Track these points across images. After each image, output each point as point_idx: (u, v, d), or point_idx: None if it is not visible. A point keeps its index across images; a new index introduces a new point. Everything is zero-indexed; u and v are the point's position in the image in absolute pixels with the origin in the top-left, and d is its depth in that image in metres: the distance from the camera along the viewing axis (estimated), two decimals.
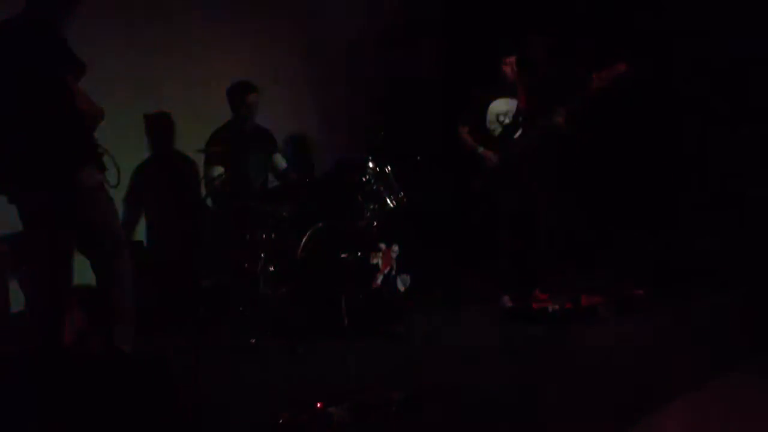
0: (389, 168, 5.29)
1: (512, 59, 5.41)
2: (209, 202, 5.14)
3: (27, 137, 3.65)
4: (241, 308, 4.84)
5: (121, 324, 3.83)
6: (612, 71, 5.14)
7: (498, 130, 5.48)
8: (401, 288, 5.04)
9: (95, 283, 3.94)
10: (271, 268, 4.97)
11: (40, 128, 3.63)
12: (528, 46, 5.76)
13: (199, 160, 5.54)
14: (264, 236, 5.02)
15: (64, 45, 3.65)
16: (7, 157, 3.74)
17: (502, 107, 5.47)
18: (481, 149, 5.46)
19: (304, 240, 4.98)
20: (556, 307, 4.97)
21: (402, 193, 5.27)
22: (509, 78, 5.43)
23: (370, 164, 5.21)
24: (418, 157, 6.31)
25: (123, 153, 5.33)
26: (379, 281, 4.91)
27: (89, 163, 3.73)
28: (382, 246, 4.98)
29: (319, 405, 3.34)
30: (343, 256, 4.87)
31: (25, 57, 3.62)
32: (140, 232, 5.61)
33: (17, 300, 4.50)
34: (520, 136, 5.40)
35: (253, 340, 4.57)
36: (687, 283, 5.59)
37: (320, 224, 5.07)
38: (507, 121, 5.44)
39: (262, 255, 4.96)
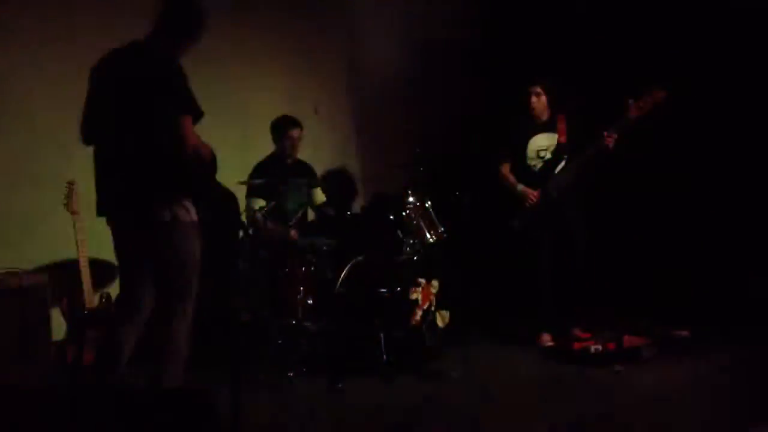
0: (429, 203, 5.28)
1: (538, 88, 5.37)
2: (249, 234, 5.16)
3: (132, 165, 3.67)
4: (279, 342, 4.83)
5: (171, 367, 3.80)
6: (650, 98, 5.09)
7: (539, 165, 5.43)
8: (440, 324, 4.99)
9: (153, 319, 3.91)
10: (310, 302, 4.97)
11: (145, 158, 3.64)
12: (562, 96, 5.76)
13: (241, 192, 5.57)
14: (303, 270, 5.02)
15: (186, 86, 3.66)
16: (110, 182, 3.78)
17: (542, 143, 5.43)
18: (521, 187, 5.41)
19: (342, 274, 4.97)
20: (599, 347, 4.87)
21: (442, 229, 5.26)
22: (537, 109, 5.38)
23: (410, 199, 5.21)
24: (457, 192, 6.31)
25: None
26: (418, 317, 4.86)
27: (186, 200, 3.73)
28: (422, 281, 4.94)
29: None
30: (381, 291, 4.84)
31: (148, 89, 3.63)
32: None
33: (58, 329, 4.54)
34: (561, 170, 5.34)
35: (291, 374, 4.54)
36: (738, 324, 5.47)
37: (359, 258, 5.06)
38: (548, 156, 5.40)
39: (301, 289, 4.96)
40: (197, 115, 3.68)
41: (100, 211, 3.84)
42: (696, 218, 6.11)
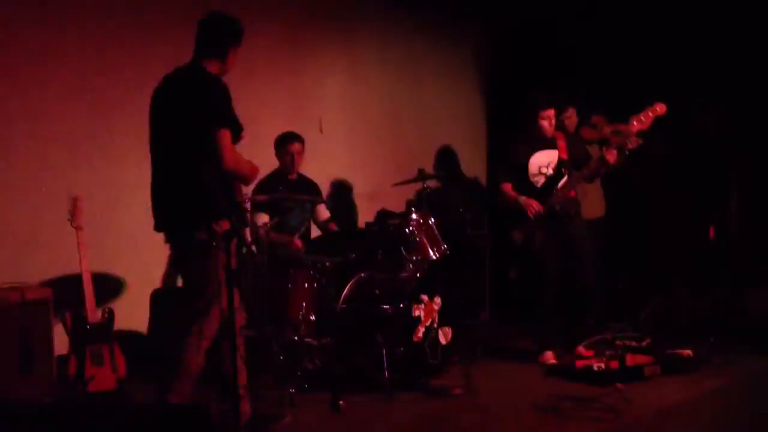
0: (432, 219, 5.28)
1: (550, 112, 5.40)
2: (253, 250, 5.17)
3: (175, 183, 3.72)
4: (281, 358, 4.82)
5: (179, 383, 3.76)
6: (651, 112, 5.11)
7: (541, 182, 5.45)
8: (443, 341, 4.99)
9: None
10: (312, 318, 4.96)
11: (187, 176, 3.67)
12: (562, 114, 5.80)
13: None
14: (306, 286, 5.02)
15: (223, 100, 3.72)
16: (159, 199, 3.83)
17: (543, 159, 5.45)
18: (522, 198, 5.41)
19: (345, 291, 4.96)
20: (601, 365, 4.85)
21: (445, 245, 5.25)
22: (547, 132, 5.42)
23: (413, 215, 5.21)
24: (461, 209, 6.32)
25: None
26: (420, 334, 4.86)
27: (224, 216, 3.69)
28: (425, 298, 4.94)
29: None
30: (384, 307, 4.84)
31: (187, 107, 3.71)
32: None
33: (61, 344, 4.55)
34: (562, 185, 5.36)
35: (293, 390, 4.53)
36: (742, 344, 5.46)
37: (362, 275, 5.05)
38: (549, 172, 5.42)
39: (304, 305, 4.95)
40: (235, 129, 3.71)
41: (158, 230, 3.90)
42: (698, 236, 6.11)
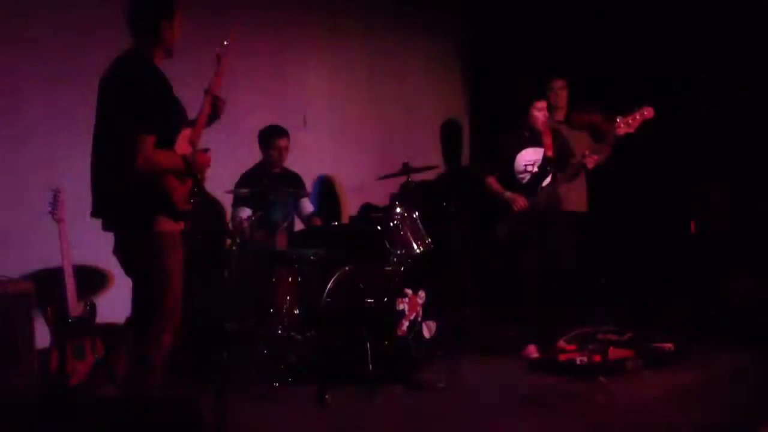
0: (416, 213, 5.28)
1: (544, 104, 5.42)
2: (236, 243, 5.15)
3: (105, 175, 3.56)
4: (265, 352, 4.81)
5: (137, 375, 3.59)
6: (638, 116, 5.13)
7: (526, 179, 5.46)
8: (427, 335, 4.99)
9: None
10: (296, 312, 4.95)
11: (113, 169, 3.49)
12: (550, 92, 5.80)
13: (227, 201, 5.56)
14: (290, 280, 5.01)
15: (146, 100, 3.44)
16: (94, 190, 3.64)
17: (530, 157, 5.47)
18: (508, 194, 5.43)
19: (330, 284, 4.96)
20: (584, 359, 4.88)
21: (429, 239, 5.26)
22: (539, 124, 5.42)
23: (398, 209, 5.21)
24: (445, 203, 6.33)
25: None
26: (404, 328, 4.86)
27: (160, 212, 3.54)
28: (409, 292, 4.94)
29: None
30: (368, 301, 4.83)
31: (114, 105, 3.50)
32: None
33: (42, 337, 4.51)
34: (547, 184, 5.38)
35: (277, 384, 4.52)
36: (723, 337, 5.50)
37: (346, 269, 5.05)
38: (534, 169, 5.43)
39: (288, 298, 4.94)
40: (160, 130, 3.45)
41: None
42: (677, 232, 6.16)
